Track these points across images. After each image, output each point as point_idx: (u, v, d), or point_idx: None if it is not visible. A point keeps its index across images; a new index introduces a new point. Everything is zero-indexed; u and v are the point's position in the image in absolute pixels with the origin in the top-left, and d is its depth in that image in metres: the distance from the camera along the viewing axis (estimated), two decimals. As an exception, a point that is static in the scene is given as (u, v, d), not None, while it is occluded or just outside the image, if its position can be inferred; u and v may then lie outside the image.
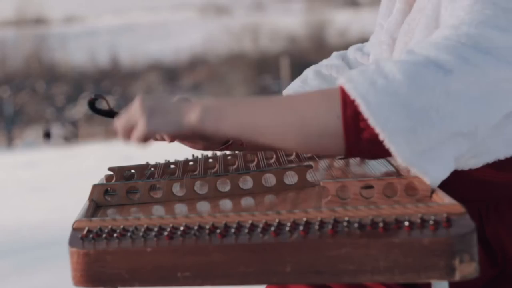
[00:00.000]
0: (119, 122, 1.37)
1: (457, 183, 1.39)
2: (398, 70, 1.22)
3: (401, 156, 1.22)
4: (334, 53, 1.79)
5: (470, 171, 1.41)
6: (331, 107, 1.23)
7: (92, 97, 1.49)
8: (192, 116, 1.30)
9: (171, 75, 24.84)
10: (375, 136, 1.22)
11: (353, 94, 1.21)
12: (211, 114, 1.30)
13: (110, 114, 1.52)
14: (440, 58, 1.24)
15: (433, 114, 1.21)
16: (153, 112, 1.32)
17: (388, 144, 1.21)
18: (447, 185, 1.36)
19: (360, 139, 1.24)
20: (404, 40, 1.47)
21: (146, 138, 1.35)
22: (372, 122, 1.20)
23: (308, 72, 1.72)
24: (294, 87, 1.68)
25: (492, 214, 1.43)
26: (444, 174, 1.26)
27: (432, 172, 1.25)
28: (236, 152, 1.75)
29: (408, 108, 1.20)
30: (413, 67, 1.22)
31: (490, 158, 1.40)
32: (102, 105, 1.49)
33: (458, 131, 1.23)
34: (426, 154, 1.23)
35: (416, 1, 1.48)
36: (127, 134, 1.37)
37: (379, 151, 1.24)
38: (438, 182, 1.27)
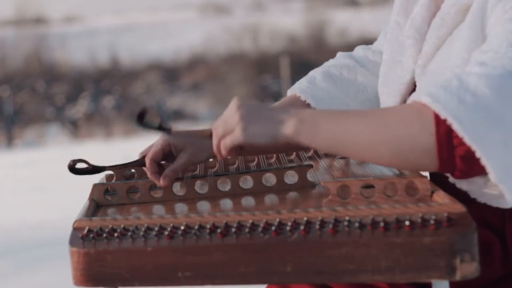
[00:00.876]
0: (216, 128, 1.35)
1: None
2: (485, 85, 1.22)
3: (494, 172, 1.21)
4: (340, 53, 1.78)
5: None
6: (424, 124, 1.24)
7: (140, 110, 1.43)
8: (288, 128, 1.30)
9: (171, 74, 24.82)
10: (469, 153, 1.22)
11: (443, 114, 1.21)
12: (306, 127, 1.30)
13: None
14: None
15: None
16: (250, 120, 1.31)
17: (485, 160, 1.20)
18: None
19: (453, 156, 1.24)
20: (438, 34, 1.47)
21: (239, 146, 1.34)
22: (467, 140, 1.20)
23: (316, 74, 1.71)
24: (301, 87, 1.66)
25: None
26: None
27: None
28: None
29: (500, 123, 1.20)
30: (499, 80, 1.23)
31: None
32: (150, 118, 1.42)
33: None
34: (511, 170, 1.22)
35: None
36: (221, 139, 1.35)
37: (471, 168, 1.24)
38: None
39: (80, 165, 1.51)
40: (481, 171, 1.23)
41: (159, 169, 1.53)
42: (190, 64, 25.35)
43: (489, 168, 1.21)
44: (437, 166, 1.25)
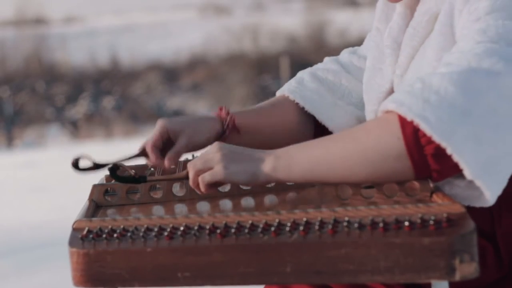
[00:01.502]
0: (194, 165, 1.39)
1: None
2: (448, 82, 1.22)
3: (469, 167, 1.21)
4: (326, 58, 1.79)
5: None
6: (390, 130, 1.25)
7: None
8: (267, 165, 1.34)
9: (171, 75, 24.81)
10: (440, 151, 1.22)
11: (409, 116, 1.22)
12: (282, 162, 1.33)
13: (135, 180, 1.48)
14: (483, 63, 1.25)
15: (491, 119, 1.22)
16: (231, 159, 1.35)
17: (457, 157, 1.21)
18: None
19: (424, 156, 1.24)
20: (411, 44, 1.47)
21: (218, 183, 1.38)
22: (436, 138, 1.20)
23: (304, 75, 1.71)
24: (290, 88, 1.68)
25: (504, 216, 1.43)
26: (500, 191, 1.26)
27: (492, 187, 1.24)
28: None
29: (467, 117, 1.21)
30: (462, 76, 1.23)
31: None
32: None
33: None
34: (489, 166, 1.22)
35: (419, 4, 1.47)
36: (198, 175, 1.39)
37: (445, 167, 1.24)
38: (495, 199, 1.26)
39: (83, 162, 1.51)
40: (456, 169, 1.23)
41: (162, 156, 1.53)
42: (190, 64, 25.34)
43: (462, 164, 1.21)
44: (412, 170, 1.26)
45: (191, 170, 1.40)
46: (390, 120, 1.25)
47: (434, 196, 1.31)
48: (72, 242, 1.27)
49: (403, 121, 1.24)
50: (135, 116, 22.22)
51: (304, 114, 1.66)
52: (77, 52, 26.63)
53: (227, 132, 1.58)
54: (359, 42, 1.87)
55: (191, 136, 1.54)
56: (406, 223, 1.18)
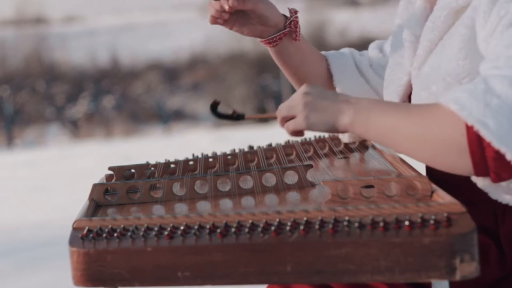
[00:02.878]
0: (280, 111, 1.45)
1: (475, 183, 1.40)
2: (509, 86, 1.23)
3: None
4: (363, 52, 1.88)
5: None
6: (456, 125, 1.26)
7: (214, 101, 1.54)
8: (346, 118, 1.37)
9: (171, 74, 24.80)
10: (500, 155, 1.23)
11: (470, 120, 1.23)
12: (360, 119, 1.36)
13: (234, 117, 1.53)
14: None
15: None
16: (313, 109, 1.39)
17: None
18: (464, 184, 1.37)
19: (485, 157, 1.25)
20: (429, 37, 1.48)
21: (300, 132, 1.44)
22: (495, 144, 1.22)
23: (345, 49, 1.85)
24: (330, 52, 1.83)
25: (508, 215, 1.43)
26: None
27: None
28: (236, 151, 1.75)
29: None
30: None
31: None
32: (224, 109, 1.53)
33: None
34: None
35: None
36: (285, 122, 1.45)
37: (505, 170, 1.25)
38: None
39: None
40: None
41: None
42: (190, 64, 25.33)
43: None
44: (471, 167, 1.27)
45: (278, 116, 1.45)
46: (456, 115, 1.26)
47: (435, 195, 1.31)
48: (72, 242, 1.27)
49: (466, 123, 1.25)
50: (135, 115, 22.23)
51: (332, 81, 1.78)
52: (77, 52, 26.63)
53: (287, 28, 1.70)
54: (359, 42, 1.91)
55: (260, 1, 1.66)
56: (407, 223, 1.18)
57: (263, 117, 1.57)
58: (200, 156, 1.74)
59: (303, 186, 1.51)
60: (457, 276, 1.14)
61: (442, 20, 1.47)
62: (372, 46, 1.83)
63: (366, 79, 1.78)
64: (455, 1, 1.44)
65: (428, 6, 1.56)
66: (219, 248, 1.21)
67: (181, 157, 1.73)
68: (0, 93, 22.06)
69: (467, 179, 1.38)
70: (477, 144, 1.24)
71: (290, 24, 1.70)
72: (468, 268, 1.14)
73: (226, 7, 1.64)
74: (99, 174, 1.69)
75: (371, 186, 1.35)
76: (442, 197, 1.28)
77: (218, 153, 1.77)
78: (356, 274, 1.17)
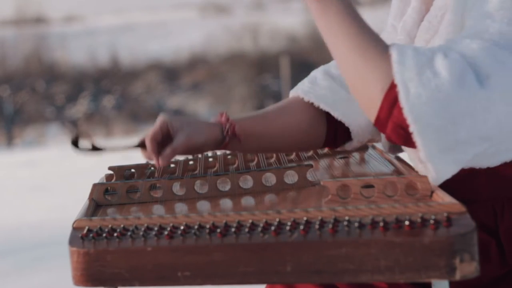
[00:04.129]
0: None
1: (474, 181, 1.40)
2: (446, 69, 1.24)
3: (424, 150, 1.25)
4: None
5: (487, 169, 1.41)
6: (383, 79, 1.29)
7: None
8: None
9: (171, 74, 24.77)
10: (405, 125, 1.26)
11: (397, 78, 1.25)
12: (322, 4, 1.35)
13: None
14: (477, 62, 1.26)
15: (467, 120, 1.24)
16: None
17: (416, 137, 1.25)
18: (463, 182, 1.37)
19: (391, 115, 1.28)
20: (425, 38, 1.49)
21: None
22: (406, 112, 1.24)
23: (317, 73, 1.71)
24: (304, 89, 1.66)
25: (507, 213, 1.43)
26: (450, 175, 1.30)
27: (442, 171, 1.29)
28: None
29: (446, 108, 1.23)
30: (460, 69, 1.25)
31: (508, 157, 1.41)
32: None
33: (485, 136, 1.26)
34: (447, 153, 1.26)
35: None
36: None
37: (403, 138, 1.28)
38: (441, 182, 1.30)
39: (82, 143, 1.52)
40: (409, 144, 1.28)
41: (159, 150, 1.52)
42: (190, 64, 25.31)
43: (419, 144, 1.25)
44: (374, 117, 1.31)
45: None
46: (388, 70, 1.28)
47: (435, 195, 1.31)
48: (72, 241, 1.27)
49: (393, 81, 1.27)
50: (135, 115, 22.21)
51: (315, 115, 1.64)
52: (77, 51, 26.61)
53: (226, 139, 1.55)
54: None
55: (190, 135, 1.51)
56: (407, 223, 1.18)
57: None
58: (200, 156, 1.74)
59: (303, 186, 1.51)
60: (457, 276, 1.14)
61: (438, 20, 1.47)
62: None
63: None
64: (452, 1, 1.44)
65: (424, 7, 1.55)
66: (219, 248, 1.21)
67: (181, 157, 1.73)
68: (0, 93, 22.05)
69: (465, 177, 1.38)
70: (390, 103, 1.27)
71: (227, 133, 1.55)
72: (468, 268, 1.14)
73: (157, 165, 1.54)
74: (99, 174, 1.69)
75: (371, 186, 1.35)
76: (442, 197, 1.29)
77: (218, 152, 1.76)
78: (356, 274, 1.17)
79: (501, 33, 1.30)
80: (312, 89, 1.66)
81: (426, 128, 1.24)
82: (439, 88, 1.23)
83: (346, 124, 1.64)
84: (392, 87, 1.27)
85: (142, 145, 1.53)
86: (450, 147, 1.26)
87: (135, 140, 1.55)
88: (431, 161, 1.27)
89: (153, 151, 1.50)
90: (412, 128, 1.25)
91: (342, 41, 1.33)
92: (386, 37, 1.67)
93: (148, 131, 1.53)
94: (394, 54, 1.28)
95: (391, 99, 1.27)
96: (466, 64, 1.26)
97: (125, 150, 1.56)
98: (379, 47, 1.31)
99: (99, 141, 1.57)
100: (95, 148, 1.52)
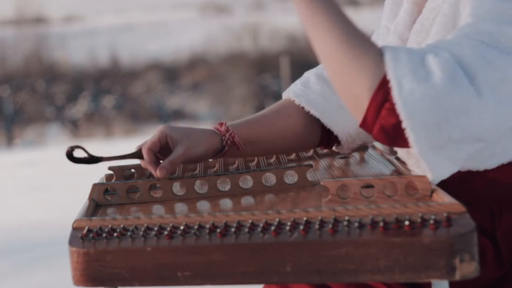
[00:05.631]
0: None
1: (471, 183, 1.40)
2: (438, 68, 1.24)
3: (417, 147, 1.25)
4: None
5: (485, 171, 1.41)
6: (372, 78, 1.27)
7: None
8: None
9: (171, 74, 24.77)
10: (398, 120, 1.24)
11: (390, 74, 1.24)
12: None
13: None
14: (465, 61, 1.26)
15: (461, 116, 1.24)
16: None
17: (409, 132, 1.24)
18: (461, 184, 1.37)
19: (378, 117, 1.27)
20: (417, 40, 1.48)
21: None
22: (399, 107, 1.23)
23: (310, 76, 1.70)
24: (296, 91, 1.65)
25: (504, 215, 1.43)
26: (447, 175, 1.29)
27: (437, 170, 1.28)
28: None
29: (438, 104, 1.23)
30: (451, 67, 1.25)
31: (505, 159, 1.41)
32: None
33: (479, 136, 1.25)
34: (440, 151, 1.26)
35: (428, 1, 1.48)
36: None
37: (391, 138, 1.27)
38: (438, 181, 1.29)
39: (78, 153, 1.51)
40: (403, 143, 1.27)
41: (157, 160, 1.52)
42: (190, 63, 25.31)
43: (411, 140, 1.25)
44: (361, 117, 1.29)
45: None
46: (377, 68, 1.27)
47: (434, 195, 1.31)
48: (72, 241, 1.27)
49: (384, 79, 1.26)
50: (135, 115, 22.21)
51: (310, 118, 1.64)
52: (77, 51, 26.61)
53: (226, 148, 1.55)
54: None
55: (189, 147, 1.51)
56: (406, 223, 1.18)
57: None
58: (200, 156, 1.74)
59: (303, 186, 1.51)
60: (457, 276, 1.14)
61: (430, 23, 1.47)
62: None
63: None
64: (444, 3, 1.44)
65: (416, 9, 1.55)
66: (219, 248, 1.21)
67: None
68: (0, 93, 22.05)
69: (462, 179, 1.38)
70: (378, 103, 1.26)
71: (227, 143, 1.56)
72: (468, 268, 1.14)
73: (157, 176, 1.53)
74: (99, 174, 1.69)
75: (371, 186, 1.35)
76: (442, 197, 1.29)
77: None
78: (356, 274, 1.17)
79: (490, 34, 1.30)
80: (304, 92, 1.65)
81: (419, 124, 1.23)
82: (433, 85, 1.23)
83: (335, 133, 1.64)
84: (381, 86, 1.26)
85: (139, 154, 1.54)
86: (443, 144, 1.25)
87: (136, 146, 1.55)
88: (424, 157, 1.26)
89: (150, 162, 1.51)
90: (405, 124, 1.24)
91: (328, 38, 1.31)
92: (379, 38, 1.67)
93: (146, 142, 1.53)
94: (387, 52, 1.27)
95: (379, 98, 1.26)
96: (455, 62, 1.26)
97: (122, 159, 1.55)
98: (366, 46, 1.30)
99: (95, 151, 1.58)
100: (92, 158, 1.53)
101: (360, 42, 1.30)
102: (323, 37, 1.31)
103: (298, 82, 1.69)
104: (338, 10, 1.33)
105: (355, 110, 1.30)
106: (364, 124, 1.30)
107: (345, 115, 1.62)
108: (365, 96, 1.27)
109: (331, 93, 1.65)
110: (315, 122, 1.65)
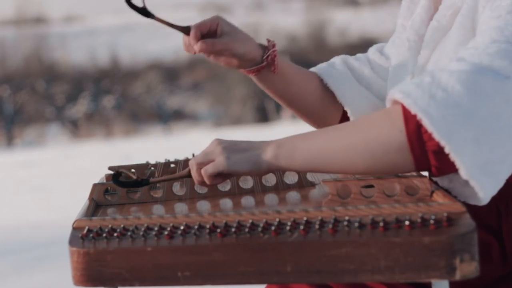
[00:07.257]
0: (194, 159, 1.41)
1: None
2: (456, 81, 1.23)
3: (465, 168, 1.22)
4: (358, 55, 1.82)
5: None
6: (393, 123, 1.25)
7: (114, 172, 1.48)
8: (268, 153, 1.35)
9: (171, 74, 24.78)
10: (440, 148, 1.22)
11: (413, 109, 1.22)
12: (284, 150, 1.34)
13: (138, 183, 1.48)
14: (494, 64, 1.25)
15: (494, 123, 1.22)
16: (232, 150, 1.38)
17: (454, 156, 1.21)
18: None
19: (425, 152, 1.24)
20: (434, 37, 1.49)
21: (220, 176, 1.39)
22: (436, 135, 1.21)
23: (336, 59, 1.78)
24: (319, 66, 1.75)
25: (511, 213, 1.43)
26: (495, 191, 1.26)
27: (487, 188, 1.24)
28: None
29: (470, 119, 1.21)
30: (471, 76, 1.23)
31: None
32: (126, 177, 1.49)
33: None
34: (487, 167, 1.23)
35: None
36: (201, 168, 1.40)
37: (445, 164, 1.24)
38: (488, 200, 1.27)
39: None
40: (454, 167, 1.23)
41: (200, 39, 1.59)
42: (190, 64, 25.32)
43: (458, 163, 1.22)
44: (413, 163, 1.26)
45: (192, 166, 1.41)
46: (394, 112, 1.26)
47: (435, 195, 1.31)
48: (72, 241, 1.27)
49: (406, 114, 1.24)
50: (135, 115, 22.22)
51: (328, 96, 1.72)
52: (77, 51, 26.63)
53: (264, 62, 1.64)
54: (359, 42, 1.90)
55: (233, 39, 1.59)
56: (407, 223, 1.18)
57: (172, 178, 1.49)
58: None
59: (303, 186, 1.51)
60: (457, 276, 1.14)
61: (447, 19, 1.47)
62: (372, 49, 1.81)
63: (367, 86, 1.74)
64: (461, 0, 1.44)
65: (432, 5, 1.56)
66: (219, 248, 1.21)
67: (181, 157, 1.73)
68: (0, 93, 22.05)
69: None
70: (416, 138, 1.24)
71: (267, 58, 1.63)
72: (468, 268, 1.14)
73: (193, 52, 1.60)
74: (99, 174, 1.69)
75: (371, 186, 1.35)
76: (442, 197, 1.29)
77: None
78: (356, 274, 1.17)
79: None
80: (326, 69, 1.74)
81: (460, 143, 1.21)
82: (458, 102, 1.21)
83: (349, 112, 1.70)
84: (409, 121, 1.23)
85: (187, 30, 1.59)
86: (487, 160, 1.23)
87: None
88: (473, 177, 1.22)
89: (194, 36, 1.57)
90: (447, 149, 1.21)
91: (334, 153, 1.30)
92: (395, 36, 1.69)
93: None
94: (396, 94, 1.25)
95: (414, 132, 1.24)
96: (478, 70, 1.24)
97: (171, 27, 1.60)
98: (365, 120, 1.30)
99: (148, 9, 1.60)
100: (144, 11, 1.59)
101: (358, 125, 1.30)
102: (332, 158, 1.31)
103: (324, 63, 1.78)
104: (312, 133, 1.35)
105: (405, 162, 1.27)
106: (418, 164, 1.26)
107: (361, 97, 1.69)
108: (401, 139, 1.25)
109: (351, 77, 1.73)
110: (332, 102, 1.73)
